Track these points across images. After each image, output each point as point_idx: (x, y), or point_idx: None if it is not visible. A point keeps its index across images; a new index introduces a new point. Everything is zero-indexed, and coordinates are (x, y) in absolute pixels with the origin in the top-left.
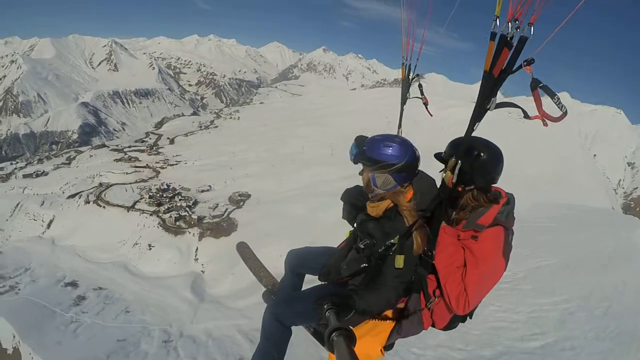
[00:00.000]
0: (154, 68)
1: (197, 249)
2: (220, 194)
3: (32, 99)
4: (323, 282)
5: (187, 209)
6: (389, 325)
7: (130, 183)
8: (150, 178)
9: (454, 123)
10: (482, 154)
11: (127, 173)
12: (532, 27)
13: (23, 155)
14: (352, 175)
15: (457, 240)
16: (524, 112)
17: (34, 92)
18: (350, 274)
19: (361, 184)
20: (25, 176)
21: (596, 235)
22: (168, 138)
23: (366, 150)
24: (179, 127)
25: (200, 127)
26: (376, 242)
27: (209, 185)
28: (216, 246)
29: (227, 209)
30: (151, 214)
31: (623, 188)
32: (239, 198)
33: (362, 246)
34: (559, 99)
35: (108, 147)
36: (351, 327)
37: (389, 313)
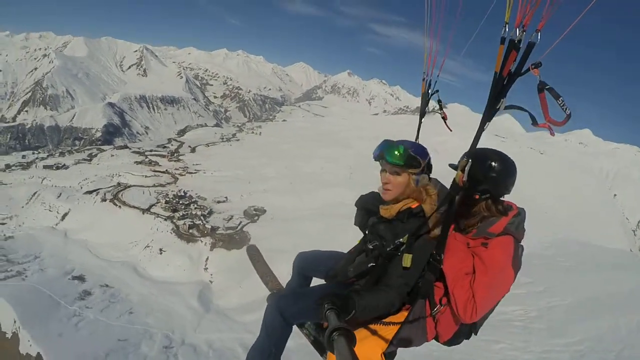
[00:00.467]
0: (181, 77)
1: (207, 258)
2: (236, 206)
3: (60, 93)
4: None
5: (202, 217)
6: (392, 330)
7: (148, 186)
8: (168, 183)
9: None
10: (496, 164)
11: (146, 176)
12: (539, 34)
13: (45, 147)
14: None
15: (467, 248)
16: (533, 118)
17: (63, 87)
18: (356, 275)
19: (376, 190)
20: (45, 167)
21: (613, 276)
22: (189, 146)
23: (415, 151)
24: (201, 136)
25: (222, 138)
26: (386, 242)
27: (226, 197)
28: (227, 258)
29: (241, 222)
30: (165, 219)
31: None
32: (254, 212)
33: (371, 247)
34: (563, 101)
35: (130, 148)
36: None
37: (393, 319)
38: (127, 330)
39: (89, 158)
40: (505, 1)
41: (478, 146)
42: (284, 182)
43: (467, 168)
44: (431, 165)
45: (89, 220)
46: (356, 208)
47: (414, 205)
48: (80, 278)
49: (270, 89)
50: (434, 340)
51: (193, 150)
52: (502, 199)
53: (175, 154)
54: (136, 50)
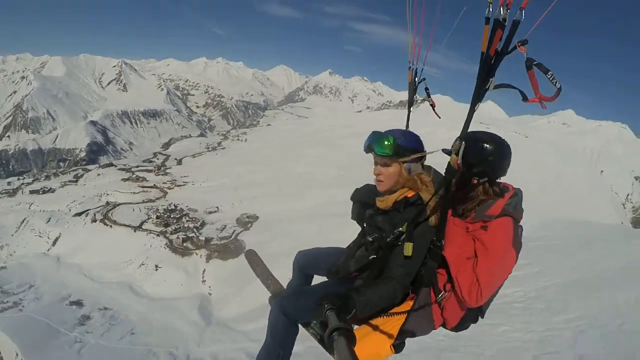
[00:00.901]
0: (162, 89)
1: (204, 270)
2: (228, 215)
3: (41, 115)
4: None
5: (195, 230)
6: (398, 321)
7: (138, 203)
8: (157, 198)
9: None
10: (491, 147)
11: (134, 193)
12: (522, 12)
13: (30, 171)
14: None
15: (467, 232)
16: (523, 94)
17: (44, 109)
18: (358, 269)
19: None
20: (32, 192)
21: (607, 251)
22: (175, 159)
23: (404, 141)
24: (187, 148)
25: (208, 148)
26: (385, 234)
27: (217, 207)
28: (224, 268)
29: (234, 230)
30: (158, 235)
31: (631, 202)
32: (247, 220)
33: (370, 239)
34: (552, 74)
35: (115, 166)
36: (355, 326)
37: (398, 309)
38: (131, 352)
39: (75, 179)
40: None
41: (469, 130)
42: (273, 186)
43: (461, 150)
44: (424, 151)
45: (81, 243)
46: (352, 202)
47: (410, 194)
48: (78, 303)
49: (252, 95)
50: (441, 327)
51: (179, 162)
52: (498, 180)
53: (161, 168)
54: (115, 65)
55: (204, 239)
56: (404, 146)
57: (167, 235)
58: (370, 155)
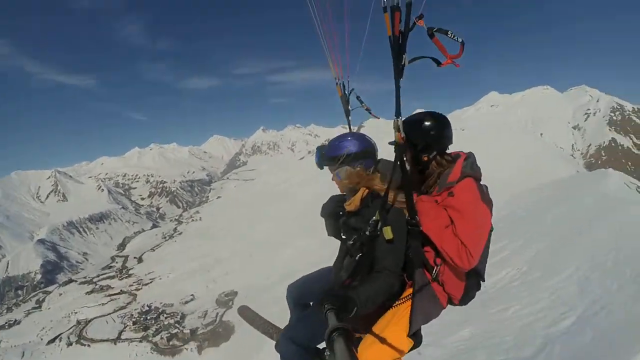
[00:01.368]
0: (102, 190)
1: None
2: (205, 300)
3: None
4: None
5: (177, 324)
6: (406, 310)
7: (109, 313)
8: (128, 303)
9: None
10: (429, 123)
11: (103, 304)
12: None
13: None
14: (335, 242)
15: (437, 205)
16: (436, 60)
17: None
18: (350, 275)
19: (336, 194)
20: None
21: (575, 200)
22: (135, 257)
23: (326, 152)
24: (143, 243)
25: (165, 237)
26: (362, 231)
27: (192, 295)
28: (220, 355)
29: (217, 313)
30: (140, 341)
31: (578, 150)
32: (227, 298)
33: (352, 242)
34: (452, 32)
35: (76, 281)
36: (363, 327)
37: (400, 299)
38: None
39: (38, 305)
40: None
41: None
42: (242, 257)
43: (400, 126)
44: (366, 150)
45: None
46: (324, 219)
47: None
48: None
49: (194, 172)
50: (450, 305)
51: (140, 260)
52: (448, 151)
53: (123, 271)
54: (49, 177)
55: (189, 331)
56: (328, 155)
57: (150, 338)
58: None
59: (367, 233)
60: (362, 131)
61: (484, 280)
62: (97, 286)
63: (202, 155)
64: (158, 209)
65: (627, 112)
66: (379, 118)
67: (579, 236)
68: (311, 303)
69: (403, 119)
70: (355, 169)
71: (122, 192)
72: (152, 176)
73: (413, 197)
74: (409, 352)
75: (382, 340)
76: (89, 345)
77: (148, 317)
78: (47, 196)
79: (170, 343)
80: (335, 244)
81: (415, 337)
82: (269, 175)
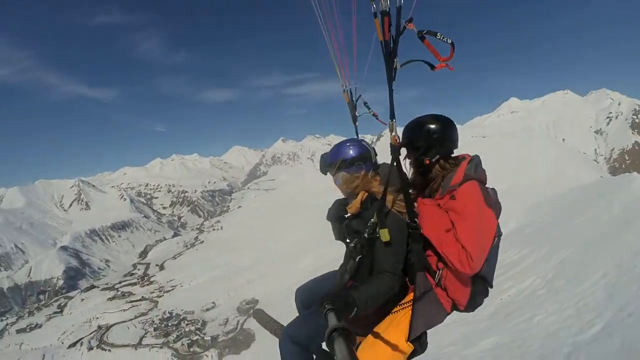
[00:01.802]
0: (125, 199)
1: None
2: (227, 307)
3: (9, 250)
4: None
5: (197, 332)
6: (406, 315)
7: (131, 319)
8: (149, 310)
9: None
10: (433, 126)
11: (124, 310)
12: None
13: (12, 310)
14: None
15: (439, 208)
16: (429, 64)
17: (11, 244)
18: (351, 276)
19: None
20: (18, 331)
21: (601, 206)
22: (157, 265)
23: (327, 159)
24: (165, 251)
25: (187, 246)
26: (362, 234)
27: (213, 302)
28: None
29: (238, 320)
30: (161, 347)
31: (602, 155)
32: (248, 306)
33: (352, 245)
34: (442, 34)
35: (98, 287)
36: (363, 330)
37: (403, 301)
38: None
39: (59, 310)
40: None
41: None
42: (263, 265)
43: (395, 128)
44: (363, 154)
45: None
46: (330, 222)
47: (373, 190)
48: None
49: (215, 182)
50: (455, 311)
51: (162, 267)
52: (452, 155)
53: (145, 278)
54: (72, 186)
55: (209, 338)
56: (327, 162)
57: (171, 344)
58: None
59: (366, 235)
60: (382, 140)
61: (491, 287)
62: (118, 292)
63: (223, 166)
64: (179, 218)
65: None
66: (386, 124)
67: (606, 242)
68: None
69: (407, 121)
70: (351, 174)
71: (144, 201)
72: (174, 186)
73: (412, 199)
74: (412, 358)
75: (381, 343)
76: (109, 350)
77: (169, 324)
78: (71, 205)
79: (191, 350)
80: None
81: (420, 343)
82: (289, 185)
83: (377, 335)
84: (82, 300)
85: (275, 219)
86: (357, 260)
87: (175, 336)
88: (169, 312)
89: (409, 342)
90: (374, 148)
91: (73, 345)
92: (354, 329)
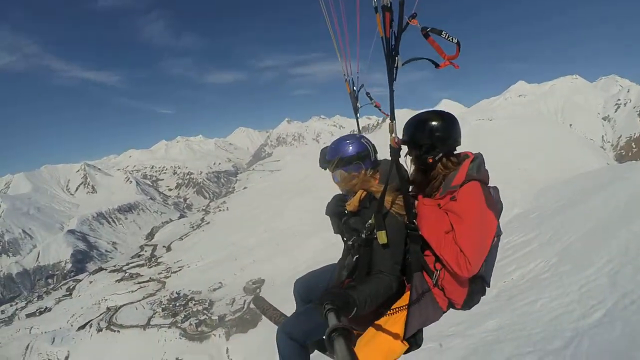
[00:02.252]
0: (131, 182)
1: (227, 349)
2: (233, 287)
3: (17, 236)
4: None
5: (205, 311)
6: (402, 314)
7: (139, 300)
8: (157, 290)
9: None
10: (436, 123)
11: (132, 291)
12: None
13: (21, 295)
14: None
15: (439, 208)
16: (433, 62)
17: (19, 229)
18: (349, 274)
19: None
20: (28, 315)
21: (607, 193)
22: (164, 246)
23: (326, 155)
24: (171, 233)
25: (193, 227)
26: (360, 233)
27: (220, 282)
28: (247, 341)
29: (245, 300)
30: (169, 327)
31: (609, 142)
32: (254, 286)
33: (351, 243)
34: (447, 33)
35: (105, 269)
36: (360, 328)
37: (400, 303)
38: None
39: (68, 293)
40: None
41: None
42: (269, 246)
43: (394, 129)
44: (362, 152)
45: (93, 356)
46: (329, 217)
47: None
48: None
49: (220, 163)
50: (451, 309)
51: (168, 248)
52: (455, 152)
53: (152, 259)
54: (78, 170)
55: (217, 317)
56: (325, 159)
57: (179, 324)
58: None
59: (364, 236)
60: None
61: (489, 286)
62: (126, 274)
63: (228, 147)
64: (185, 199)
65: None
66: (387, 115)
67: (611, 230)
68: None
69: (408, 118)
70: (349, 172)
71: (150, 183)
72: (179, 168)
73: (412, 200)
74: (406, 353)
75: (377, 341)
76: (118, 331)
77: (177, 304)
78: (77, 188)
79: (199, 329)
80: None
81: (415, 339)
82: (294, 166)
83: (373, 333)
84: (91, 282)
85: (280, 200)
86: (354, 259)
87: (183, 316)
88: (176, 293)
89: (404, 341)
90: (374, 145)
91: (82, 327)
92: (352, 327)
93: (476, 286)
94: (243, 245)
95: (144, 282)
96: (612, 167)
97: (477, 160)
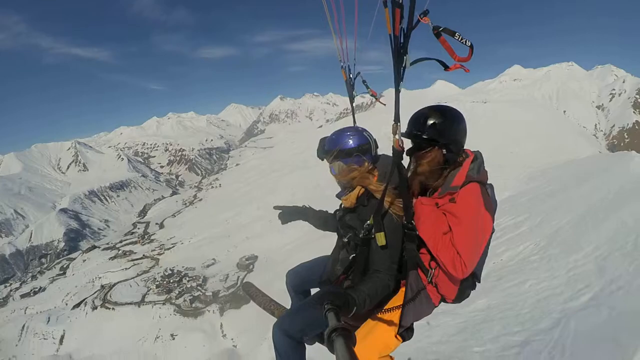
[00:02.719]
0: (122, 159)
1: (221, 325)
2: (227, 263)
3: (10, 216)
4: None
5: (199, 287)
6: (397, 311)
7: (133, 277)
8: (151, 267)
9: None
10: (440, 120)
11: (126, 269)
12: None
13: (15, 276)
14: None
15: (437, 208)
16: (442, 63)
17: (11, 210)
18: (344, 271)
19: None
20: (23, 296)
21: (598, 180)
22: (156, 223)
23: (325, 145)
24: (164, 210)
25: (185, 204)
26: (357, 230)
27: (213, 259)
28: (241, 317)
29: (238, 276)
30: (164, 303)
31: (601, 131)
32: (247, 262)
33: (345, 240)
34: (460, 35)
35: (99, 247)
36: (355, 324)
37: (394, 301)
38: None
39: (62, 272)
40: None
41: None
42: (262, 222)
43: (398, 131)
44: (362, 146)
45: (88, 335)
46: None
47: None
48: None
49: (212, 140)
50: (443, 302)
51: (161, 226)
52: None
53: (145, 236)
54: (69, 148)
55: (211, 293)
56: (325, 149)
57: (173, 301)
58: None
59: (361, 236)
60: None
61: (479, 282)
62: (120, 252)
63: (220, 124)
64: (177, 176)
65: None
66: (385, 105)
67: (601, 217)
68: (310, 290)
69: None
70: (348, 165)
71: (141, 160)
72: (171, 144)
73: (411, 201)
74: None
75: (371, 337)
76: (113, 309)
77: (171, 281)
78: (68, 167)
79: (193, 305)
80: None
81: (406, 332)
82: (287, 143)
83: (368, 330)
84: (84, 261)
85: (273, 176)
86: (350, 258)
87: (177, 292)
88: (170, 269)
89: (397, 336)
90: (375, 140)
91: (77, 305)
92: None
93: (468, 282)
94: (236, 222)
95: (137, 259)
96: (604, 156)
97: (478, 160)
